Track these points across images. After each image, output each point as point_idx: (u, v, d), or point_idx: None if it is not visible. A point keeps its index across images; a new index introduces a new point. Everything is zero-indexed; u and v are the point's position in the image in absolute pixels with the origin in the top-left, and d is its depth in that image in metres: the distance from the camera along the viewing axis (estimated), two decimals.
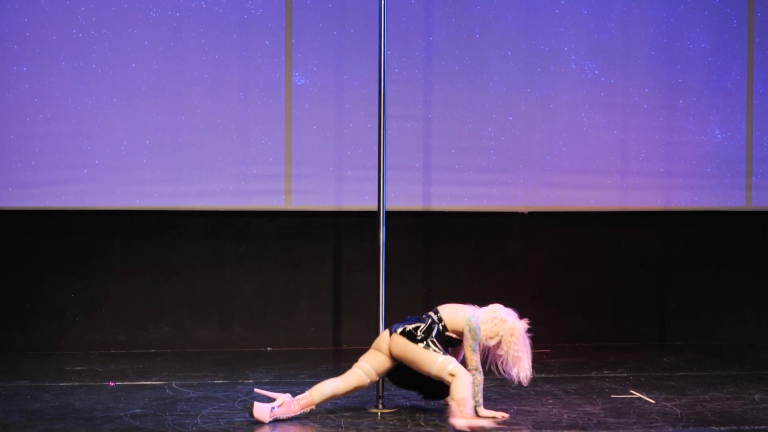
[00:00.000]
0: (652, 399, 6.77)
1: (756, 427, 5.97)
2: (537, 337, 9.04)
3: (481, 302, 9.00)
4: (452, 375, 6.05)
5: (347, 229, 8.85)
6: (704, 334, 9.24)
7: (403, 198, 8.70)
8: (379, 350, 6.28)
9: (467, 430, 5.85)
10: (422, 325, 6.20)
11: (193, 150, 8.51)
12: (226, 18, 8.52)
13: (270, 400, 6.22)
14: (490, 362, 6.30)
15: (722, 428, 5.96)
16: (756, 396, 6.86)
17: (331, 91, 8.64)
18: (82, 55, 8.38)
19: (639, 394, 6.91)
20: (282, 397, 6.18)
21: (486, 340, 6.23)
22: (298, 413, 6.18)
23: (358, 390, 6.31)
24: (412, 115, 8.72)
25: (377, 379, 6.31)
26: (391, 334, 6.25)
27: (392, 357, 6.25)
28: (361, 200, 8.65)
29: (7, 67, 8.31)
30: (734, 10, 9.01)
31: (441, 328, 6.24)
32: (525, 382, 6.25)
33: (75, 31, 8.38)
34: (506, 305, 9.01)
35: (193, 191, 8.52)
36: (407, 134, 8.71)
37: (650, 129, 8.97)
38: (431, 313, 6.30)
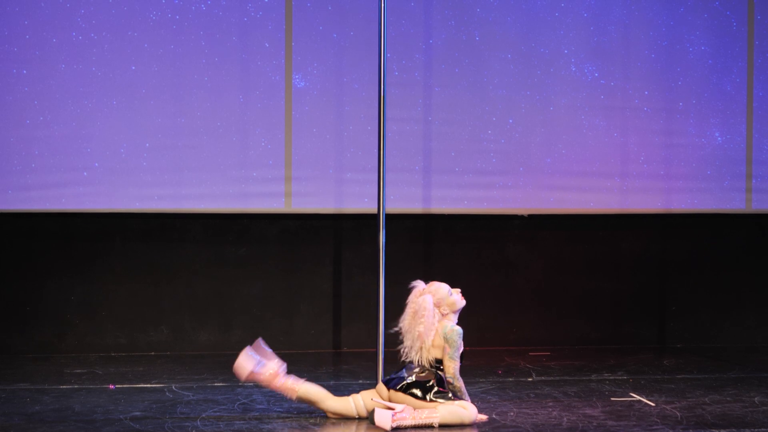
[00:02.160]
0: (652, 402, 6.76)
1: (756, 430, 5.97)
2: (537, 340, 9.08)
3: (482, 303, 9.03)
4: (460, 406, 6.11)
5: (347, 231, 8.85)
6: (704, 337, 9.24)
7: (403, 201, 8.70)
8: (379, 394, 6.26)
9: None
10: (424, 375, 6.19)
11: (193, 153, 8.51)
12: (225, 21, 8.52)
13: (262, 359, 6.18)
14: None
15: (722, 431, 5.96)
16: (756, 399, 6.86)
17: (331, 94, 8.64)
18: (82, 57, 8.38)
19: (639, 397, 6.91)
20: (271, 366, 6.14)
21: (450, 313, 6.28)
22: (277, 390, 6.18)
23: (339, 415, 6.24)
24: (411, 117, 8.72)
25: (365, 415, 6.24)
26: (389, 388, 6.20)
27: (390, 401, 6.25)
28: (361, 203, 8.65)
29: (7, 70, 8.31)
30: (734, 12, 9.02)
31: (439, 372, 6.23)
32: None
33: (75, 34, 8.38)
34: (506, 308, 9.08)
35: (193, 194, 8.52)
36: (407, 137, 8.71)
37: (650, 132, 8.97)
38: (421, 365, 6.26)
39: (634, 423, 6.15)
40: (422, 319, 6.20)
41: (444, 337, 6.18)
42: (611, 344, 9.10)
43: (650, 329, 9.21)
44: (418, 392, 6.14)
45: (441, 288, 6.31)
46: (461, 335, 6.22)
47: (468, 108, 8.79)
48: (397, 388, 6.16)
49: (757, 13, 9.04)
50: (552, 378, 7.62)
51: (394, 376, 6.27)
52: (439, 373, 6.19)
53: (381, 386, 6.26)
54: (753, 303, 9.30)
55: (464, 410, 6.08)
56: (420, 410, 6.05)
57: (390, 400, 6.17)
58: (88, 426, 6.03)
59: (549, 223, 9.06)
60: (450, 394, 6.16)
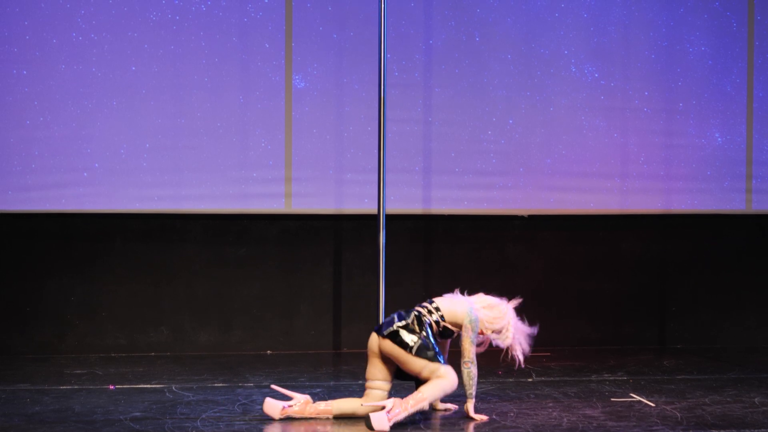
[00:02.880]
0: (652, 402, 6.76)
1: (756, 431, 5.97)
2: (537, 341, 9.06)
3: None
4: (440, 376, 6.17)
5: (347, 232, 8.85)
6: (704, 338, 9.24)
7: (403, 201, 8.70)
8: (377, 357, 6.31)
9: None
10: (413, 328, 6.24)
11: (193, 153, 8.51)
12: (226, 21, 8.53)
13: (285, 397, 6.28)
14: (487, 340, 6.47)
15: None
16: (756, 399, 6.86)
17: (331, 95, 8.64)
18: (82, 58, 8.38)
19: (639, 398, 6.91)
20: (299, 397, 6.27)
21: (487, 332, 6.41)
22: (313, 416, 6.23)
23: (376, 409, 6.27)
24: (411, 118, 8.72)
25: (391, 386, 6.35)
26: (379, 335, 6.29)
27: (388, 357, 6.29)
28: (361, 203, 8.65)
29: (7, 71, 8.32)
30: (734, 13, 9.02)
31: (438, 318, 6.31)
32: (520, 360, 6.45)
33: (75, 35, 8.38)
34: None
35: (193, 194, 8.52)
36: (407, 138, 8.72)
37: (650, 132, 8.98)
38: (425, 304, 6.38)
39: (635, 424, 6.15)
40: (498, 315, 6.39)
41: (469, 318, 6.30)
42: (611, 345, 9.10)
43: (650, 330, 9.21)
44: (405, 338, 6.19)
45: (508, 332, 6.43)
46: (479, 325, 6.35)
47: (468, 109, 8.79)
48: (385, 333, 6.24)
49: (757, 13, 9.04)
50: (552, 379, 7.62)
51: (384, 321, 6.37)
52: (429, 319, 6.29)
53: (373, 336, 6.35)
54: (753, 303, 9.30)
55: (445, 380, 6.18)
56: (407, 399, 6.09)
57: (379, 349, 6.26)
58: (88, 427, 6.03)
59: (549, 224, 9.05)
60: (429, 346, 6.18)
